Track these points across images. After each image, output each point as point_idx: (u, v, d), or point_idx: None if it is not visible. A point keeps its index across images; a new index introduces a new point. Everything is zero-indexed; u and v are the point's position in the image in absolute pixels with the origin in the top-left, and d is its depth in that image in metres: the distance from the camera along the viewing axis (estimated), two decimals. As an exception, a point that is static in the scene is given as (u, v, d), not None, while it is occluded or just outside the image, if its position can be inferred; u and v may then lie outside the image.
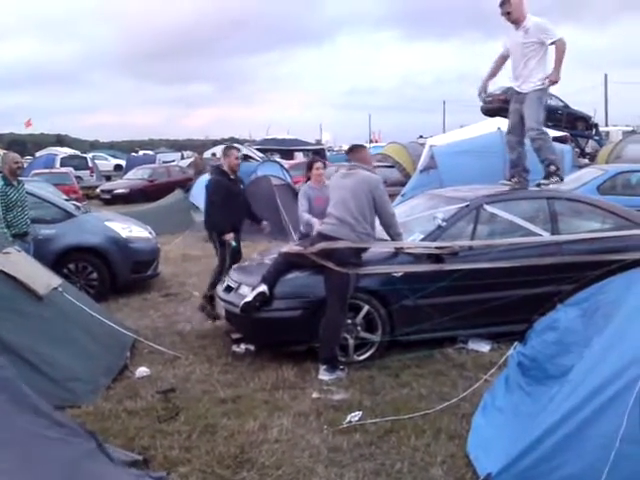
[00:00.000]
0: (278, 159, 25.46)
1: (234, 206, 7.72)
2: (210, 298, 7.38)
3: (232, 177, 7.89)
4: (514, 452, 3.50)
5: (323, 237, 5.81)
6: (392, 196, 8.77)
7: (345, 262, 5.61)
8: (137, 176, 28.32)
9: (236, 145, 12.08)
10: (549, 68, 7.16)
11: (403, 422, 4.64)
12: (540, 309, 4.36)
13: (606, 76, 46.95)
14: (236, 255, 7.68)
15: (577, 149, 23.60)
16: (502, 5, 7.24)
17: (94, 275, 8.85)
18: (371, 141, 54.36)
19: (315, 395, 5.24)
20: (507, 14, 7.24)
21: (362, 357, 6.02)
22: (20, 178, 7.96)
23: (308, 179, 7.75)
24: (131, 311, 8.27)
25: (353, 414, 4.78)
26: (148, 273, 9.60)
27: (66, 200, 11.74)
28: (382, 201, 5.87)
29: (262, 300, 5.93)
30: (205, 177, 20.26)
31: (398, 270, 6.09)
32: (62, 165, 29.03)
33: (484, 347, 6.24)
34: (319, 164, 7.72)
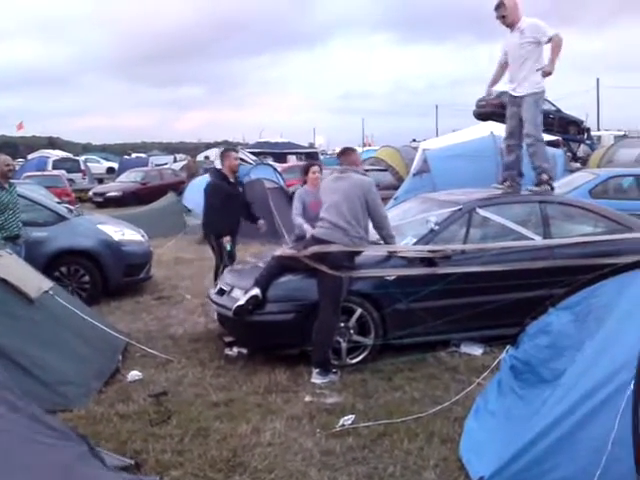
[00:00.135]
0: (271, 162, 25.44)
1: (232, 210, 7.74)
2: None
3: (231, 180, 7.89)
4: (506, 455, 3.51)
5: (316, 240, 5.82)
6: (385, 199, 8.79)
7: (338, 265, 5.61)
8: (130, 179, 28.27)
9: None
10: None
11: (396, 426, 4.64)
12: (532, 313, 4.37)
13: (598, 80, 47.28)
14: (230, 258, 7.68)
15: (569, 153, 23.69)
16: (497, 9, 7.26)
17: (86, 278, 8.82)
18: (364, 145, 54.42)
19: (308, 398, 5.23)
20: (502, 17, 7.26)
21: (355, 360, 6.02)
22: (12, 181, 7.92)
23: (304, 183, 7.75)
24: (123, 314, 8.24)
25: (346, 417, 4.77)
26: (140, 276, 9.57)
27: (58, 203, 11.72)
28: (375, 204, 5.89)
29: (255, 303, 5.93)
30: (199, 179, 20.37)
31: (391, 274, 6.10)
32: (54, 168, 28.94)
33: (477, 350, 6.25)
34: (316, 168, 7.71)
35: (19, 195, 7.98)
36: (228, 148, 9.28)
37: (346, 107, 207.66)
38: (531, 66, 7.17)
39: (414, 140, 36.61)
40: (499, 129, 8.04)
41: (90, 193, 26.99)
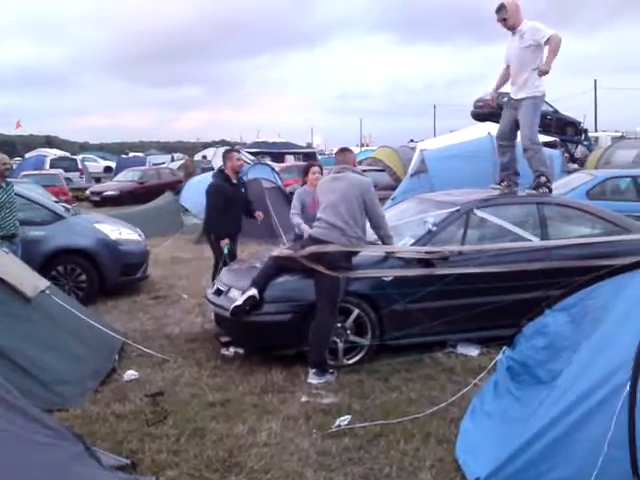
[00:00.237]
0: (269, 162, 25.46)
1: (234, 211, 7.76)
2: None
3: (234, 181, 7.89)
4: (503, 456, 3.51)
5: (314, 240, 5.81)
6: (382, 200, 8.79)
7: (336, 266, 5.61)
8: (127, 178, 28.26)
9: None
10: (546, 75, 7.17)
11: (392, 426, 4.64)
12: (529, 314, 4.38)
13: (596, 82, 47.37)
14: (231, 258, 7.68)
15: (566, 154, 23.73)
16: (498, 11, 7.23)
17: (83, 277, 8.81)
18: (362, 145, 54.51)
19: (304, 399, 5.23)
20: (503, 20, 7.23)
21: (351, 361, 6.02)
22: (9, 179, 7.91)
23: (304, 183, 7.75)
24: (120, 314, 8.23)
25: (342, 418, 4.77)
26: (137, 276, 9.55)
27: (55, 202, 11.69)
28: (372, 204, 5.89)
29: (252, 304, 5.92)
30: (196, 179, 20.41)
31: (388, 274, 6.10)
32: (52, 167, 28.92)
33: (473, 351, 6.25)
34: (316, 168, 7.69)
35: (16, 194, 7.97)
36: (231, 149, 9.30)
37: (344, 107, 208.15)
38: (532, 70, 7.16)
39: (412, 140, 36.60)
40: (497, 130, 8.06)
41: (87, 192, 26.96)
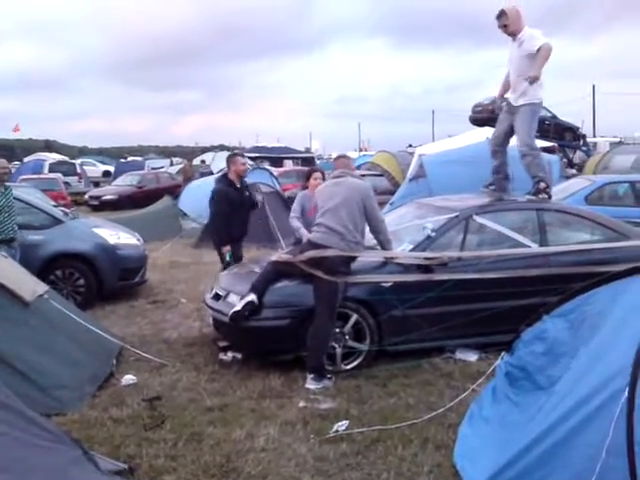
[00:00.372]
0: (267, 167, 25.48)
1: (239, 216, 7.74)
2: None
3: (238, 186, 7.88)
4: (501, 462, 3.51)
5: (313, 245, 5.81)
6: (381, 204, 8.79)
7: (334, 271, 5.61)
8: (126, 182, 28.27)
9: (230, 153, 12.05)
10: (544, 83, 7.19)
11: (390, 432, 4.63)
12: (527, 320, 4.38)
13: (594, 87, 47.45)
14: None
15: (565, 159, 23.76)
16: (499, 18, 7.22)
17: (81, 282, 8.80)
18: (360, 150, 54.53)
19: (302, 404, 5.22)
20: (504, 27, 7.23)
21: (350, 366, 6.01)
22: (7, 184, 7.91)
23: (305, 187, 7.76)
24: (118, 318, 8.22)
25: (340, 423, 4.77)
26: (136, 280, 9.54)
27: (54, 206, 11.68)
28: (372, 208, 5.90)
29: (251, 309, 5.91)
30: (195, 183, 20.40)
31: (387, 280, 6.10)
32: (50, 171, 28.92)
33: (471, 357, 6.25)
34: (318, 174, 7.67)
35: (15, 198, 7.97)
36: (235, 153, 9.26)
37: (342, 112, 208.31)
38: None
39: (410, 145, 36.69)
40: (492, 133, 8.11)
41: (86, 196, 26.96)
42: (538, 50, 7.05)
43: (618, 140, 34.58)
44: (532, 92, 7.17)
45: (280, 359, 6.05)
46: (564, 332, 4.01)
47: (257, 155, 35.55)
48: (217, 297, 6.56)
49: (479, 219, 6.69)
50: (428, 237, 6.42)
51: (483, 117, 20.88)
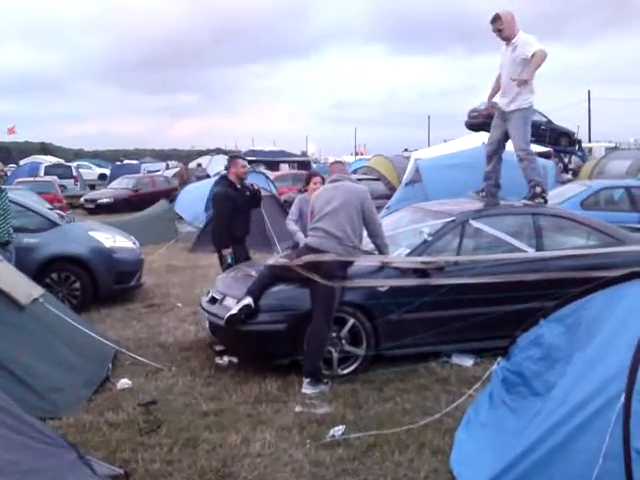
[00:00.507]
0: (263, 170, 25.47)
1: (240, 217, 7.75)
2: None
3: (238, 187, 7.88)
4: (498, 467, 3.51)
5: (310, 250, 5.81)
6: (377, 209, 8.78)
7: (331, 275, 5.61)
8: (122, 185, 28.24)
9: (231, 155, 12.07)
10: (536, 89, 7.19)
11: (386, 437, 4.62)
12: (523, 325, 4.38)
13: (589, 92, 47.57)
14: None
15: (560, 165, 23.83)
16: (493, 22, 7.23)
17: (77, 285, 8.78)
18: (356, 154, 54.62)
19: (298, 409, 5.21)
20: (498, 31, 7.24)
21: (346, 371, 6.00)
22: (3, 186, 7.89)
23: (304, 191, 7.75)
24: (113, 322, 8.20)
25: (336, 428, 4.75)
26: (131, 284, 9.52)
27: (50, 209, 11.66)
28: (370, 212, 5.92)
29: (247, 313, 5.91)
30: (191, 187, 20.39)
31: (384, 284, 6.09)
32: (46, 174, 28.86)
33: (468, 362, 6.25)
34: (318, 179, 7.67)
35: (11, 201, 7.95)
36: (236, 155, 9.32)
37: (339, 116, 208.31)
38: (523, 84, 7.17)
39: (406, 150, 36.75)
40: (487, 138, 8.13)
41: (82, 199, 26.88)
42: (532, 56, 7.05)
43: (613, 145, 34.77)
44: (522, 97, 7.18)
45: (276, 363, 6.04)
46: (560, 337, 4.01)
47: (253, 159, 35.54)
48: (213, 301, 6.55)
49: (475, 223, 6.70)
50: (424, 241, 6.43)
51: (479, 122, 20.88)
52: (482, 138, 14.14)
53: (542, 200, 7.26)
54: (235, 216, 7.66)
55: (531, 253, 6.63)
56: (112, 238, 9.53)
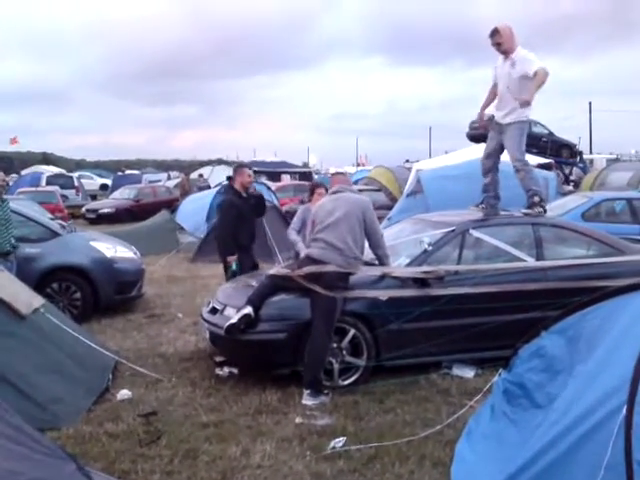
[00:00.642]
0: (265, 181, 25.52)
1: (245, 226, 7.76)
2: None
3: (244, 195, 7.91)
4: (499, 479, 3.48)
5: (311, 260, 5.81)
6: (379, 219, 8.80)
7: (333, 286, 5.60)
8: (123, 196, 28.31)
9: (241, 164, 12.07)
10: (533, 103, 7.20)
11: (387, 448, 4.60)
12: (524, 336, 4.36)
13: (590, 104, 47.67)
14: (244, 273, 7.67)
15: (561, 176, 23.85)
16: (492, 36, 7.25)
17: (78, 295, 8.77)
18: (358, 164, 54.69)
19: (298, 420, 5.19)
20: (497, 45, 7.26)
21: (347, 382, 5.98)
22: (4, 196, 7.90)
23: (308, 201, 7.77)
24: (114, 332, 8.19)
25: (337, 440, 4.74)
26: (132, 294, 9.51)
27: (51, 219, 11.68)
28: (372, 222, 5.93)
29: (247, 322, 5.89)
30: (192, 197, 20.42)
31: (385, 294, 6.08)
32: (48, 184, 28.94)
33: (468, 373, 6.23)
34: (321, 190, 7.69)
35: (12, 211, 7.97)
36: (243, 164, 9.36)
37: (340, 127, 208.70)
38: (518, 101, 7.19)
39: (407, 161, 36.83)
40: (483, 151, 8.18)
41: (83, 209, 26.95)
42: (534, 74, 7.06)
43: (614, 157, 34.82)
44: (519, 110, 7.20)
45: (276, 373, 6.02)
46: (562, 349, 3.99)
47: (255, 169, 35.60)
48: (214, 311, 6.54)
49: (475, 233, 6.71)
50: (425, 251, 6.43)
51: (480, 133, 20.93)
52: (483, 149, 14.21)
53: (541, 209, 7.26)
54: (240, 224, 7.69)
55: (531, 263, 6.62)
56: (113, 248, 9.53)
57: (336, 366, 5.93)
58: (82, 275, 8.83)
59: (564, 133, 27.41)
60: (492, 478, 3.55)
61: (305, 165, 51.83)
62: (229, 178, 8.62)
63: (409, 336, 6.02)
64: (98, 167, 65.70)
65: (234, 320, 5.90)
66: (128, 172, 45.15)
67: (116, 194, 29.40)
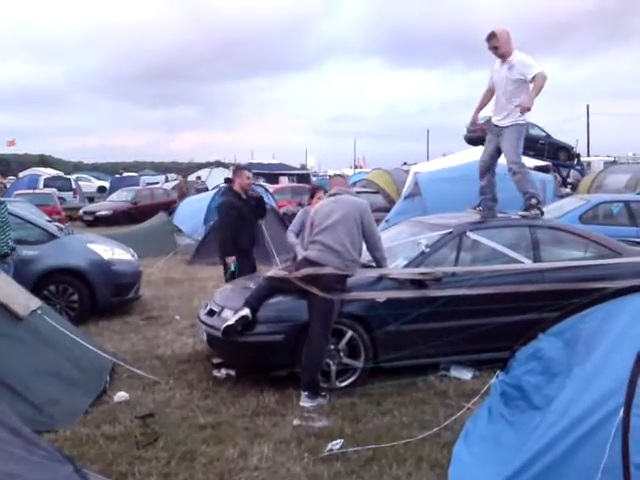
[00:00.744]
0: (263, 183, 25.52)
1: (246, 228, 7.76)
2: None
3: (243, 197, 7.90)
4: (496, 482, 3.48)
5: (309, 262, 5.80)
6: (376, 221, 8.80)
7: (330, 288, 5.60)
8: (120, 198, 28.30)
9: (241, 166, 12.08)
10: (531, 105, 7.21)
11: (384, 450, 4.60)
12: (522, 338, 4.37)
13: (588, 107, 47.81)
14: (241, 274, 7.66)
15: (559, 179, 23.88)
16: (489, 40, 7.27)
17: (75, 297, 8.76)
18: (356, 167, 54.75)
19: (296, 422, 5.19)
20: (494, 48, 7.28)
21: (344, 384, 5.98)
22: (2, 199, 7.89)
23: (308, 204, 7.77)
24: (111, 334, 8.18)
25: (334, 442, 4.73)
26: (129, 296, 9.49)
27: (49, 221, 11.66)
28: (370, 224, 5.92)
29: (244, 324, 5.89)
30: (190, 199, 20.41)
31: (382, 296, 6.08)
32: (45, 186, 28.93)
33: (466, 375, 6.23)
34: (322, 193, 7.71)
35: (10, 213, 7.94)
36: (242, 166, 9.38)
37: (338, 130, 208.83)
38: (515, 105, 7.20)
39: (405, 163, 36.86)
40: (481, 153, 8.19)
41: (81, 212, 26.92)
42: (533, 79, 7.08)
43: (612, 159, 34.81)
44: (517, 114, 7.22)
45: (274, 375, 6.02)
46: (559, 351, 3.99)
47: (253, 171, 35.59)
48: (211, 313, 6.54)
49: (473, 235, 6.71)
50: (422, 253, 6.43)
51: (478, 136, 20.96)
52: (480, 152, 14.23)
53: (538, 211, 7.27)
54: (241, 226, 7.69)
55: (528, 264, 6.63)
56: (111, 250, 9.52)
57: (333, 368, 5.93)
58: (79, 277, 8.82)
59: (562, 136, 27.43)
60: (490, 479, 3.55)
61: (303, 167, 51.73)
62: (228, 180, 8.62)
63: (407, 338, 6.02)
64: (96, 169, 65.70)
65: (231, 322, 5.90)
66: (126, 174, 45.11)
67: (114, 196, 29.40)
